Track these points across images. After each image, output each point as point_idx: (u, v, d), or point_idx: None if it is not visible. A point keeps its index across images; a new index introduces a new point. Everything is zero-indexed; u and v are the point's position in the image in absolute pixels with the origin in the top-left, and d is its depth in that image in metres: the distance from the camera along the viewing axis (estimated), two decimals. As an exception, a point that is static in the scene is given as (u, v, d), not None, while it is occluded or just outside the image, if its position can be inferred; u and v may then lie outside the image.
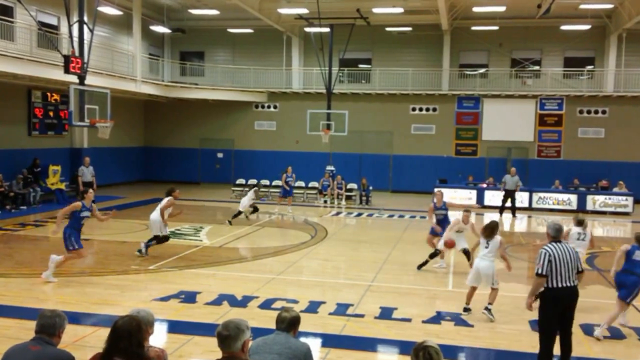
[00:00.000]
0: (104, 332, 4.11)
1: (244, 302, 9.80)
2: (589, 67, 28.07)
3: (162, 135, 30.85)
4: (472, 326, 8.94)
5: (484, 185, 24.62)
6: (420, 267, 12.43)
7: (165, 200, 12.90)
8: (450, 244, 11.85)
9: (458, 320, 9.18)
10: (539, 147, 27.55)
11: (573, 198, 23.47)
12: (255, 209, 19.69)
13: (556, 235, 6.94)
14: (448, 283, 11.84)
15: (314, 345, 7.74)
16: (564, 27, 27.14)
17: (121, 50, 25.84)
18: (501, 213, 21.77)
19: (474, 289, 9.58)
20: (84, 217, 10.75)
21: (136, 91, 25.34)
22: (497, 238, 9.36)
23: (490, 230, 9.41)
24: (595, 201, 23.25)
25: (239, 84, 29.31)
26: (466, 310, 9.51)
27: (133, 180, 29.71)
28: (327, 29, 25.73)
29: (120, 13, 25.99)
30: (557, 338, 6.95)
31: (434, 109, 28.38)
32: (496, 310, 9.80)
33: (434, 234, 13.18)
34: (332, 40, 25.76)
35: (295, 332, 4.76)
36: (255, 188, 19.73)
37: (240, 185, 26.04)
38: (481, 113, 27.86)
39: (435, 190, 14.29)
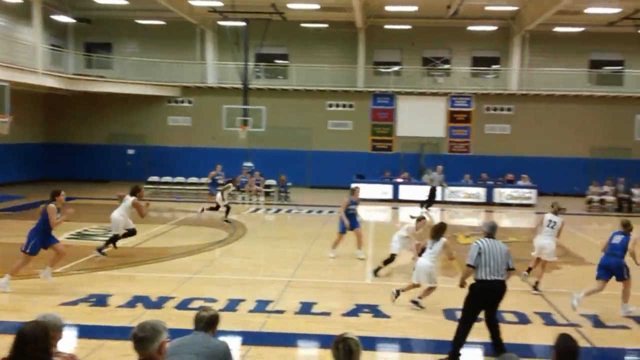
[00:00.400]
0: (9, 340, 3.79)
1: (159, 303, 9.47)
2: (495, 67, 29.33)
3: (67, 131, 29.31)
4: (389, 317, 9.10)
5: (399, 180, 25.16)
6: (376, 272, 11.83)
7: (130, 200, 12.61)
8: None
9: (376, 312, 9.31)
10: (450, 142, 28.51)
11: (482, 191, 24.44)
12: (228, 209, 18.47)
13: (490, 231, 7.45)
14: (366, 276, 11.94)
15: (234, 343, 7.58)
16: (471, 28, 28.18)
17: (20, 41, 24.31)
18: (427, 207, 22.42)
19: (414, 285, 9.69)
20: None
21: (37, 84, 23.85)
22: (442, 240, 9.47)
23: (435, 231, 9.57)
24: (502, 194, 24.32)
25: (150, 77, 28.34)
26: (415, 302, 9.54)
27: (35, 178, 27.92)
28: (242, 23, 25.39)
29: (19, 1, 24.48)
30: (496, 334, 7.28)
31: (350, 106, 28.71)
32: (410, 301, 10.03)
33: (343, 231, 13.27)
34: (247, 35, 25.46)
35: (214, 331, 4.69)
36: (229, 184, 18.95)
37: (153, 182, 25.24)
38: (395, 110, 28.47)
39: (354, 185, 14.41)
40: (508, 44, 28.65)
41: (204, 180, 24.46)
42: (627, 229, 9.64)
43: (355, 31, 28.34)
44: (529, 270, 11.20)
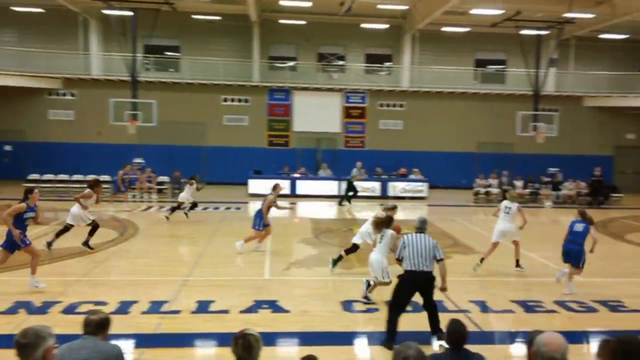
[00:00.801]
0: None
1: (44, 308, 8.84)
2: (388, 64, 30.11)
3: None
4: (288, 312, 9.03)
5: (297, 175, 25.21)
6: (335, 262, 11.59)
7: (87, 192, 12.92)
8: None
9: (275, 308, 9.21)
10: (346, 138, 28.97)
11: (377, 185, 25.04)
12: (194, 205, 18.06)
13: (419, 226, 7.99)
14: (264, 272, 11.81)
15: (127, 346, 7.24)
16: (364, 26, 28.74)
17: None
18: (349, 201, 22.91)
19: (381, 283, 9.66)
20: (27, 217, 9.84)
21: None
22: (388, 232, 9.49)
23: (381, 225, 9.62)
24: (396, 187, 25.04)
25: (28, 68, 26.45)
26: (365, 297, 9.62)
27: None
28: (129, 13, 24.27)
29: None
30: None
31: (246, 100, 28.40)
32: (310, 295, 10.06)
33: (263, 228, 13.18)
34: (135, 25, 24.36)
35: (105, 335, 4.47)
36: (193, 181, 18.07)
37: (33, 180, 23.65)
38: (292, 105, 28.50)
39: (278, 182, 14.38)
40: (399, 42, 29.48)
41: (104, 177, 23.23)
42: (585, 217, 10.43)
43: (249, 25, 28.03)
44: (482, 260, 11.93)
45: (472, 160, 28.16)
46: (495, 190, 24.57)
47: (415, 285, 7.73)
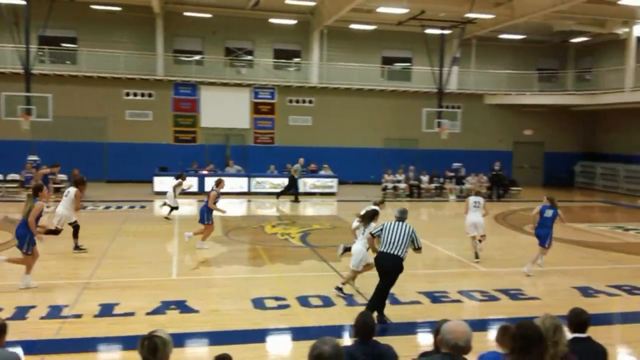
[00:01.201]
0: None
1: None
2: (296, 60, 30.09)
3: None
4: (197, 312, 8.79)
5: (205, 172, 24.67)
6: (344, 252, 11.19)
7: (74, 191, 12.36)
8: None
9: (183, 308, 8.94)
10: (255, 134, 28.66)
11: (287, 182, 24.89)
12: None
13: (399, 215, 8.53)
14: (172, 272, 11.43)
15: (25, 353, 6.72)
16: (272, 21, 28.53)
17: None
18: (280, 195, 22.89)
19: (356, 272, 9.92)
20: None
21: None
22: (372, 225, 9.61)
23: (366, 218, 9.87)
24: (306, 183, 25.06)
25: None
26: (340, 288, 9.79)
27: None
28: (22, 2, 22.73)
29: None
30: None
31: (150, 95, 27.42)
32: (220, 293, 9.86)
33: (210, 222, 13.35)
34: (28, 14, 22.83)
35: (2, 342, 4.31)
36: (180, 180, 17.45)
37: None
38: (199, 100, 27.83)
39: (222, 178, 14.30)
40: (308, 38, 29.53)
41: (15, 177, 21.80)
42: (554, 203, 11.72)
43: (152, 16, 27.02)
44: (477, 256, 12.75)
45: (380, 156, 28.72)
46: (402, 186, 25.13)
47: (382, 267, 8.30)
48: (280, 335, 8.17)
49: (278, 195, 23.10)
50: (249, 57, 29.41)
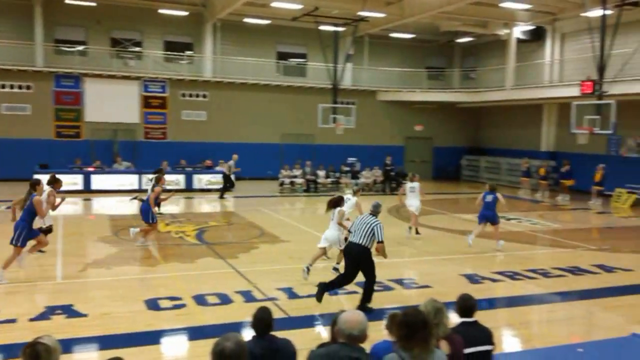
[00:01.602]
0: None
1: None
2: (189, 53, 29.32)
3: None
4: (86, 316, 8.32)
5: (91, 169, 23.45)
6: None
7: (47, 191, 11.12)
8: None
9: (70, 312, 8.43)
10: (146, 129, 27.60)
11: (181, 178, 24.27)
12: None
13: (372, 209, 9.18)
14: (56, 275, 10.72)
15: None
16: (162, 11, 27.55)
17: None
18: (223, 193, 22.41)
19: (322, 250, 10.80)
20: None
21: None
22: (337, 209, 10.76)
23: (332, 204, 10.85)
24: (201, 180, 24.53)
25: None
26: (307, 269, 10.38)
27: None
28: None
29: None
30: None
31: (28, 87, 25.56)
32: (110, 296, 9.41)
33: (154, 220, 13.26)
34: None
35: None
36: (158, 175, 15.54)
37: None
38: (83, 93, 26.34)
39: (163, 175, 14.32)
40: (201, 31, 28.85)
41: None
42: (494, 189, 13.91)
43: (30, 3, 25.26)
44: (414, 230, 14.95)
45: (277, 151, 28.67)
46: (299, 181, 25.22)
47: (349, 254, 8.96)
48: (175, 336, 7.89)
49: (220, 195, 22.44)
50: (137, 49, 28.22)
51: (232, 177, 23.40)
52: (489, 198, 13.78)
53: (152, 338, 7.66)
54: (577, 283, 10.94)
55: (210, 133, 28.11)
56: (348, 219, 11.30)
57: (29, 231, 10.06)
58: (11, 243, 9.92)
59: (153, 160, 24.85)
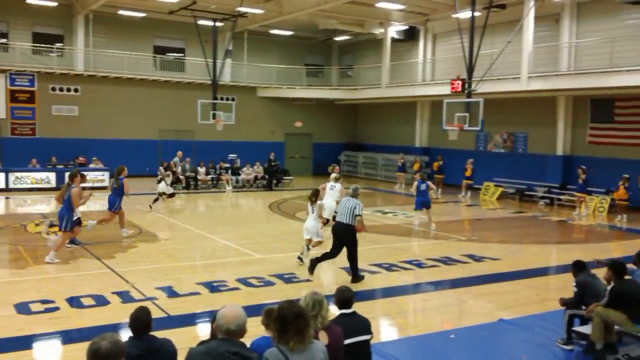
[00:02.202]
0: None
1: None
2: (59, 45, 27.76)
3: None
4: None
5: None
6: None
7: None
8: None
9: None
10: (13, 124, 25.80)
11: (51, 176, 23.00)
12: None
13: (352, 193, 10.68)
14: None
15: None
16: (30, 1, 25.85)
17: None
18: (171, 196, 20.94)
19: (307, 240, 11.74)
20: None
21: None
22: (318, 202, 11.81)
23: (314, 196, 11.65)
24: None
25: None
26: (300, 259, 11.60)
27: None
28: None
29: None
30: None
31: None
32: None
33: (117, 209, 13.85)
34: None
35: None
36: (169, 172, 18.89)
37: None
38: (-62, 86, 24.20)
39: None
40: (72, 23, 27.41)
41: None
42: (424, 179, 16.66)
43: None
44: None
45: (155, 148, 27.95)
46: (179, 177, 24.71)
47: (335, 233, 10.40)
48: (49, 340, 7.57)
49: (170, 195, 21.26)
50: (2, 40, 26.34)
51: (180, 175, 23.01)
52: (423, 187, 16.29)
53: (24, 343, 7.31)
54: (449, 272, 11.67)
55: (83, 129, 26.85)
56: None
57: (71, 218, 11.27)
58: (60, 229, 11.19)
59: (20, 158, 23.41)
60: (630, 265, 7.81)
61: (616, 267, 7.05)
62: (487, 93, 20.32)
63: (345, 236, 10.26)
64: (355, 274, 10.42)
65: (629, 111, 21.23)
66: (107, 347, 3.33)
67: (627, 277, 7.16)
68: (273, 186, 25.84)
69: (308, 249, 11.68)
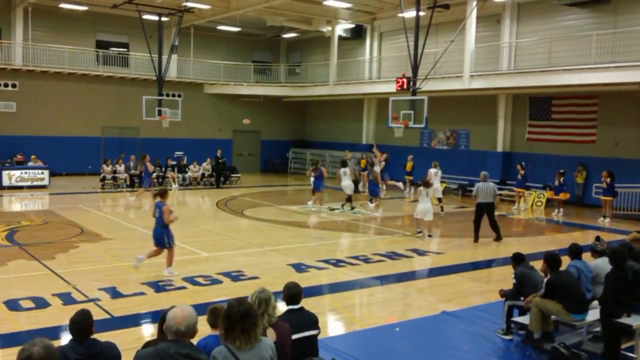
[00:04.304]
0: None
1: None
2: (-4, 39, 26.71)
3: None
4: None
5: None
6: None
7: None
8: None
9: None
10: (-56, 121, 24.73)
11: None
12: None
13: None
14: None
15: None
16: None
17: None
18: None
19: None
20: None
21: None
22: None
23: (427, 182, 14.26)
24: (12, 176, 22.53)
25: None
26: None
27: None
28: None
29: None
30: None
31: None
32: None
33: None
34: None
35: None
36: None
37: None
38: None
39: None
40: (9, 16, 26.41)
41: None
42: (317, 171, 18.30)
43: None
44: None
45: (98, 145, 27.26)
46: (122, 176, 24.22)
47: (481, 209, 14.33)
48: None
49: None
50: None
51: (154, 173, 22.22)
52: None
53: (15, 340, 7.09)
54: (394, 267, 11.88)
55: (21, 126, 25.93)
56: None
57: (170, 234, 10.82)
58: (164, 247, 10.67)
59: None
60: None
61: (551, 259, 7.33)
62: (431, 91, 20.72)
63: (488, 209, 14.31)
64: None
65: (565, 109, 22.08)
66: (39, 353, 3.20)
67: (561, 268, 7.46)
68: (220, 184, 25.60)
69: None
